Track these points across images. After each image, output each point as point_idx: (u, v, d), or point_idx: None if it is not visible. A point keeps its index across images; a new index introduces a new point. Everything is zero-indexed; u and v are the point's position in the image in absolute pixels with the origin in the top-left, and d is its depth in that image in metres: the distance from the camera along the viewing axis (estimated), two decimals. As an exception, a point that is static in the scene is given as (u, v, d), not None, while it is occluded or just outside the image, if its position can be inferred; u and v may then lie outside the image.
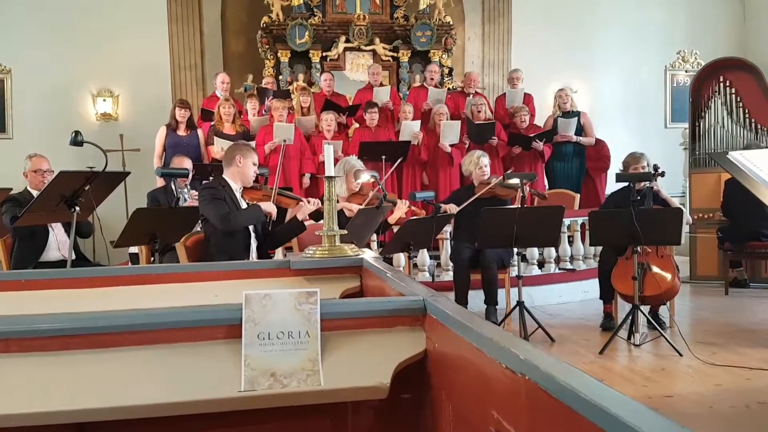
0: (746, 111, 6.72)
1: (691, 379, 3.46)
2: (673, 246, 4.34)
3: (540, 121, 7.36)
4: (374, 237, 4.55)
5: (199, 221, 3.79)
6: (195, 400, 1.20)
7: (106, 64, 8.20)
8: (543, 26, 9.09)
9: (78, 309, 1.48)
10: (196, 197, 3.96)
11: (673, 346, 3.90)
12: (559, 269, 5.86)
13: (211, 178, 4.74)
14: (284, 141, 4.90)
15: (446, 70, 8.48)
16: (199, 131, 6.61)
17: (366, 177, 4.16)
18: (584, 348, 4.15)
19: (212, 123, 6.57)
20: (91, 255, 6.55)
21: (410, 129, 6.65)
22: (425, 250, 5.19)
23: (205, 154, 6.48)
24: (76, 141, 3.31)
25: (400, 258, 5.24)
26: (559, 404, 0.78)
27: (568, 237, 5.90)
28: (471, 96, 7.35)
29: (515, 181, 4.62)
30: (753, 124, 6.69)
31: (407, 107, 6.94)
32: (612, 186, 5.70)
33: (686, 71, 9.20)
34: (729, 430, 2.78)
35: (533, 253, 5.75)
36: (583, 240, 5.94)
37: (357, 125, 7.09)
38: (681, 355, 3.83)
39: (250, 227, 3.57)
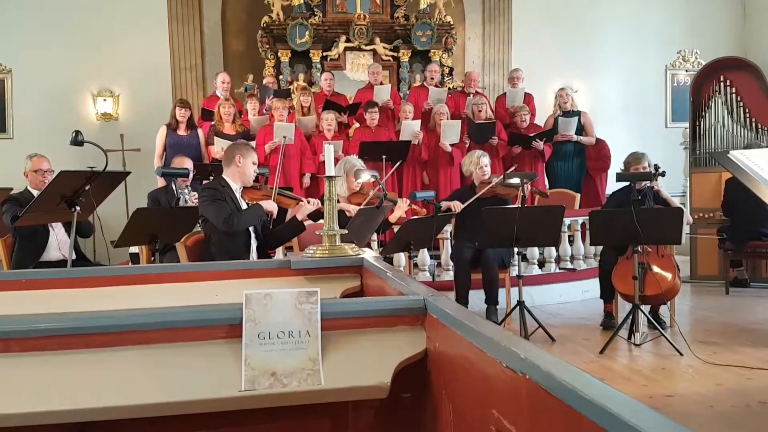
0: (746, 110, 6.72)
1: (692, 378, 3.46)
2: (673, 246, 4.35)
3: (540, 120, 7.36)
4: (375, 236, 4.55)
5: (199, 221, 3.79)
6: (195, 400, 1.20)
7: (106, 64, 8.21)
8: (543, 26, 9.09)
9: (78, 309, 1.48)
10: (197, 199, 3.95)
11: (673, 346, 3.90)
12: (560, 269, 5.86)
13: (211, 178, 4.73)
14: (284, 137, 4.88)
15: (446, 70, 8.48)
16: (200, 131, 6.61)
17: (366, 176, 4.16)
18: (585, 347, 4.15)
19: (212, 123, 6.57)
20: (91, 255, 6.55)
21: (411, 129, 6.64)
22: (426, 249, 5.19)
23: (206, 154, 6.48)
24: (77, 141, 3.31)
25: (401, 258, 5.24)
26: (560, 403, 0.78)
27: (569, 236, 5.90)
28: (471, 96, 7.35)
29: (516, 180, 4.62)
30: (753, 124, 6.69)
31: (407, 107, 6.94)
32: (612, 186, 5.70)
33: (686, 71, 9.21)
34: (729, 430, 2.78)
35: (534, 252, 5.75)
36: (583, 239, 5.94)
37: (357, 125, 7.09)
38: (681, 354, 3.83)
39: (250, 227, 3.57)
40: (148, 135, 7.07)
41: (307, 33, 7.93)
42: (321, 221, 2.75)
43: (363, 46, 8.22)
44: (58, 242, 4.35)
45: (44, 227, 4.26)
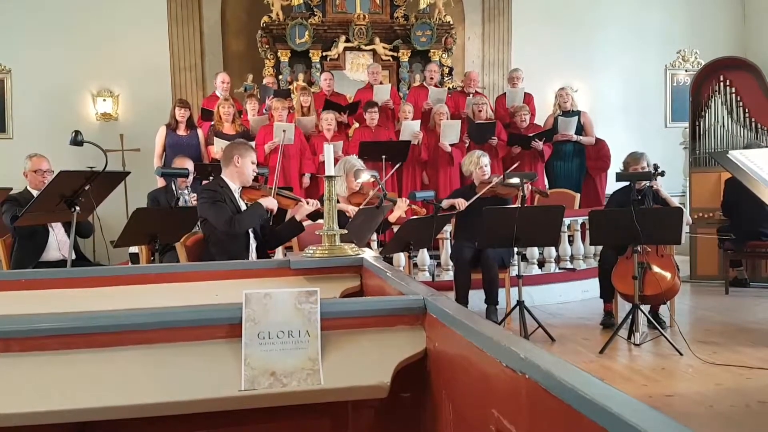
0: (746, 110, 6.72)
1: (692, 378, 3.46)
2: (673, 245, 4.35)
3: (540, 120, 7.35)
4: (374, 236, 4.55)
5: (198, 222, 3.78)
6: (195, 400, 1.20)
7: (106, 64, 8.21)
8: (543, 26, 9.10)
9: (78, 309, 1.48)
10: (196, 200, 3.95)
11: (673, 346, 3.91)
12: (560, 269, 5.86)
13: (211, 178, 4.73)
14: (284, 131, 4.87)
15: (446, 70, 8.48)
16: (199, 131, 6.61)
17: (366, 176, 4.16)
18: (584, 347, 4.15)
19: (212, 123, 6.57)
20: (91, 255, 6.55)
21: (410, 128, 6.64)
22: (425, 249, 5.19)
23: (205, 154, 6.48)
24: (76, 141, 3.31)
25: (401, 257, 5.24)
26: (560, 403, 0.78)
27: (569, 236, 5.90)
28: (471, 96, 7.35)
29: (516, 180, 4.62)
30: (753, 124, 6.69)
31: (407, 107, 6.94)
32: (612, 185, 5.70)
33: (686, 71, 9.21)
34: (729, 429, 2.78)
35: (533, 252, 5.75)
36: (583, 239, 5.94)
37: (357, 125, 7.09)
38: (681, 354, 3.83)
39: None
40: (147, 135, 7.07)
41: (306, 33, 7.93)
42: (320, 221, 2.75)
43: (363, 46, 8.22)
44: (58, 242, 4.35)
45: (44, 227, 4.26)
